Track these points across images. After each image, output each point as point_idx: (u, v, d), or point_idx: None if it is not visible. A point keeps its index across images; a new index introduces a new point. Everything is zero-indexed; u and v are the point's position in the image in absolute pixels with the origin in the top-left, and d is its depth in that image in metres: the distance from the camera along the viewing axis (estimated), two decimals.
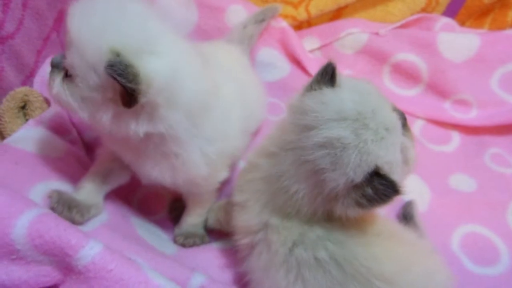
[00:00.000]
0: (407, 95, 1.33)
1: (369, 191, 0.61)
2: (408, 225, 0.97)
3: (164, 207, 0.98)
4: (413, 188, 1.07)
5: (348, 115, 0.62)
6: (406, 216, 0.99)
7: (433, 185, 1.10)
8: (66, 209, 0.73)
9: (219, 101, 0.79)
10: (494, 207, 1.07)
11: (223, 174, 0.86)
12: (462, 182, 1.13)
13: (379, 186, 0.60)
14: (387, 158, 0.62)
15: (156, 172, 0.77)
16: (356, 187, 0.61)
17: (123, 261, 0.62)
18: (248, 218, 0.73)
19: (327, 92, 0.65)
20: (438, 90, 1.30)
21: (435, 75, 1.29)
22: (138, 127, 0.68)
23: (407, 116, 1.24)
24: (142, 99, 0.64)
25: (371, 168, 0.61)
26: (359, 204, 0.62)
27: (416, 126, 1.27)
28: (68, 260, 0.60)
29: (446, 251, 0.97)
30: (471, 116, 1.27)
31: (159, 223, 0.95)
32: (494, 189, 1.11)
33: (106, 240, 0.70)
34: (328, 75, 0.67)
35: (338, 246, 0.66)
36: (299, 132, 0.65)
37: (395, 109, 0.69)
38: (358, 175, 0.60)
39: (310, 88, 0.68)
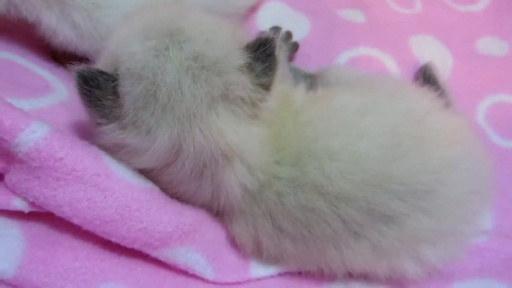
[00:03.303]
0: None
1: (259, 65, 0.54)
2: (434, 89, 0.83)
3: None
4: (433, 54, 0.92)
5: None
6: (429, 79, 0.84)
7: (457, 50, 0.94)
8: None
9: None
10: None
11: None
12: (491, 45, 0.96)
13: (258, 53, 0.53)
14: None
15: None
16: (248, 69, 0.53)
17: (76, 148, 0.50)
18: None
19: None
20: None
21: None
22: None
23: None
24: None
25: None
26: (265, 83, 0.54)
27: None
28: (6, 146, 0.48)
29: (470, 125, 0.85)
30: None
31: None
32: None
33: (61, 121, 0.58)
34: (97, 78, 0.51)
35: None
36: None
37: None
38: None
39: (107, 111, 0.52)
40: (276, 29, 0.89)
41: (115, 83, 0.51)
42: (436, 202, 0.55)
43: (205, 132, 0.51)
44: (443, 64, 0.91)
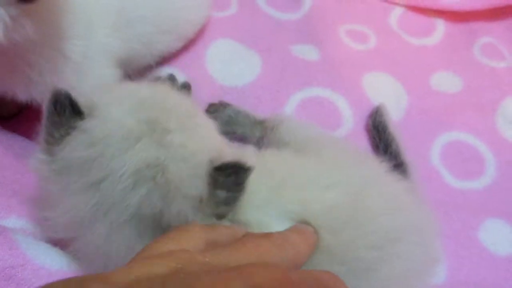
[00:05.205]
0: None
1: (222, 194, 0.46)
2: (382, 138, 0.82)
3: None
4: (387, 92, 0.90)
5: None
6: (378, 127, 0.83)
7: (411, 87, 0.92)
8: None
9: None
10: (481, 108, 0.91)
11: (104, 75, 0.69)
12: (445, 81, 0.95)
13: (227, 180, 0.46)
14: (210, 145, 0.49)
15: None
16: (207, 200, 0.46)
17: None
18: None
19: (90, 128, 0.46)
20: None
21: None
22: None
23: (384, 4, 1.08)
24: None
25: (205, 169, 0.46)
26: (221, 212, 0.47)
27: (393, 15, 1.06)
28: None
29: (424, 166, 0.83)
30: None
31: None
32: (483, 88, 0.94)
33: None
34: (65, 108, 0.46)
35: None
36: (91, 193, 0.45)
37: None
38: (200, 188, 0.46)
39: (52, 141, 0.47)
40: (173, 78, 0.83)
41: (76, 123, 0.46)
42: (377, 283, 0.52)
43: (105, 239, 0.45)
44: (397, 103, 0.89)
